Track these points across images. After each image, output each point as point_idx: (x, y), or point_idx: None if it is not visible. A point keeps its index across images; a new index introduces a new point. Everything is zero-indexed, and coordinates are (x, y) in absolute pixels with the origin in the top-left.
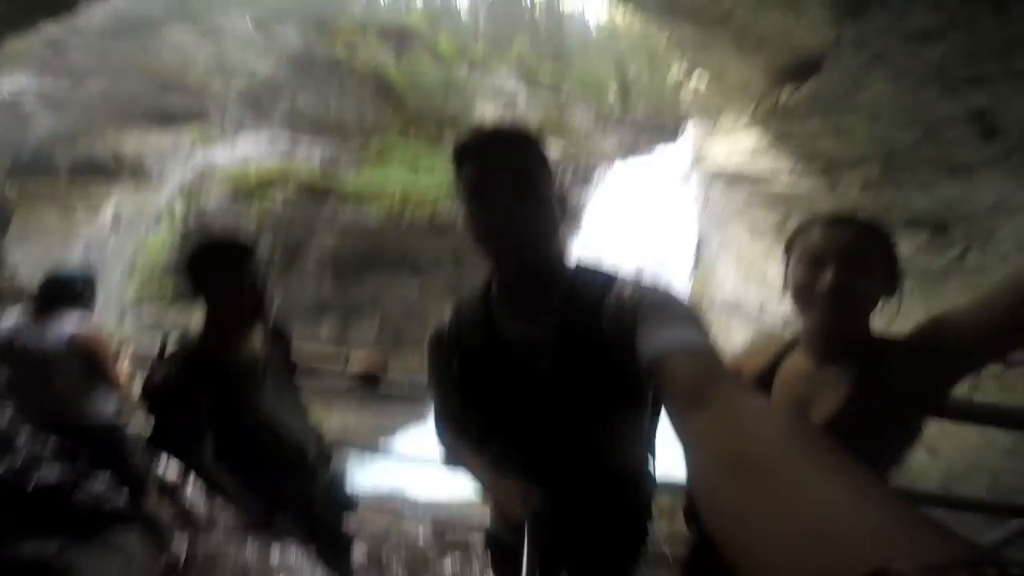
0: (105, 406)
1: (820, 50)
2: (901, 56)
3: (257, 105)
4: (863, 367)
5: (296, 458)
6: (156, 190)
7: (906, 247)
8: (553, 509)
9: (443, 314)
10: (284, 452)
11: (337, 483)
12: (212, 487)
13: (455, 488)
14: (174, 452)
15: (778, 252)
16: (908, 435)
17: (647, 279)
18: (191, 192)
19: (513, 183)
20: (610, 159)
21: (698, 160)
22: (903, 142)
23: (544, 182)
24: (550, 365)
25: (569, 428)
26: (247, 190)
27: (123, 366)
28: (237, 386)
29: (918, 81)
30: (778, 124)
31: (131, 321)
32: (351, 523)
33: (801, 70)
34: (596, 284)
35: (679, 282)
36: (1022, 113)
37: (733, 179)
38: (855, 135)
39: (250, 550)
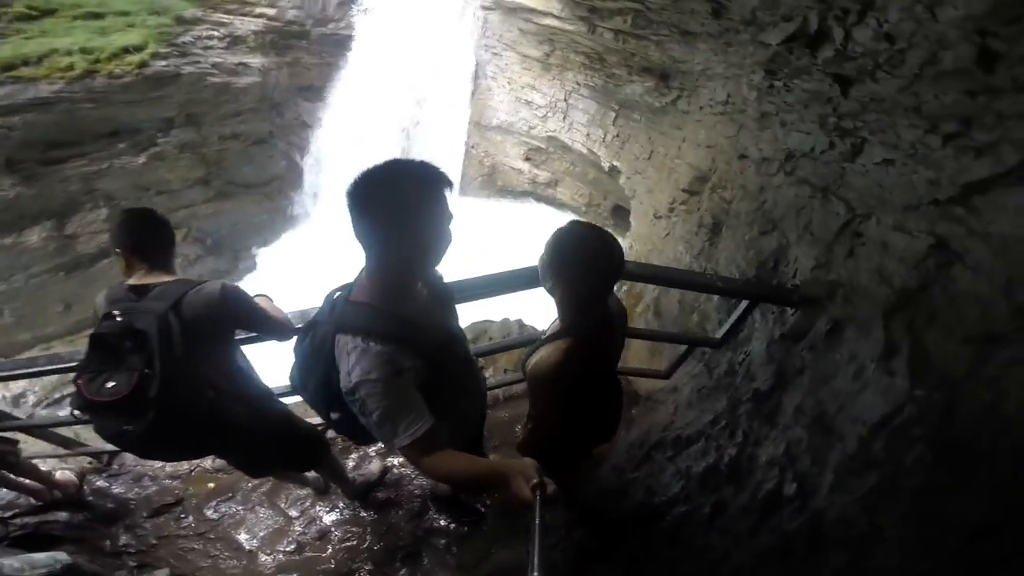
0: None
1: None
2: None
3: None
4: None
5: None
6: None
7: (639, 88)
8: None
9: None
10: None
11: None
12: None
13: None
14: None
15: (543, 81)
16: None
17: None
18: None
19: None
20: None
21: None
22: (652, 4)
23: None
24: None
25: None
26: None
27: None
28: None
29: None
30: None
31: None
32: None
33: None
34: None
35: (460, 107)
36: (745, 3)
37: (508, 11)
38: None
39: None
